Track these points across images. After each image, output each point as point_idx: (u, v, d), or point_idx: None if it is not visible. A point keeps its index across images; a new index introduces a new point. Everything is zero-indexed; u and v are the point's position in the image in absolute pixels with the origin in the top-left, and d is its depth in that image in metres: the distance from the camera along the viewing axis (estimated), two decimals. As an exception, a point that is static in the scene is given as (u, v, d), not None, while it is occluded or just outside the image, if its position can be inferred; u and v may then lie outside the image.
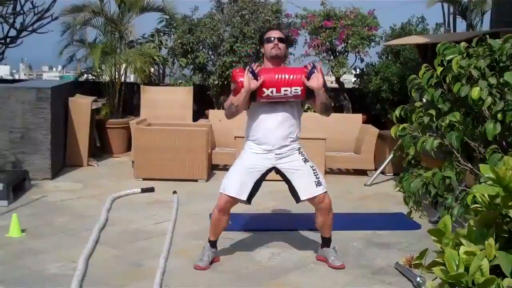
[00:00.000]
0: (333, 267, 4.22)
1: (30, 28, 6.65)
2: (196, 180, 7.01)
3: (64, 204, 5.86)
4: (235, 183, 4.09)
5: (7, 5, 6.60)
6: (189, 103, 8.74)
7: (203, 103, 9.17)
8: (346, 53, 9.24)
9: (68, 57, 9.47)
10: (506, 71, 3.07)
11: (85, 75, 9.76)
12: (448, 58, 3.22)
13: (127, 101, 9.48)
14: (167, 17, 9.90)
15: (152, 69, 9.79)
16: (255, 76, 3.89)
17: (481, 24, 14.02)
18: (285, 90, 3.92)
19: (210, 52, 9.51)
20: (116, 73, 9.18)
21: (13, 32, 6.68)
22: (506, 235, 1.78)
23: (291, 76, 3.92)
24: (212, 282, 3.94)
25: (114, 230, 5.03)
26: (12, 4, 6.58)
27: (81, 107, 7.74)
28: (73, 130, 7.66)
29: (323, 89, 3.95)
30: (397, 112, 3.42)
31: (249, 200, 4.14)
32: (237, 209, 4.99)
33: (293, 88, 3.92)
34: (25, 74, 58.30)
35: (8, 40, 6.67)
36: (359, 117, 8.28)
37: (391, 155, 6.97)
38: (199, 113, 8.95)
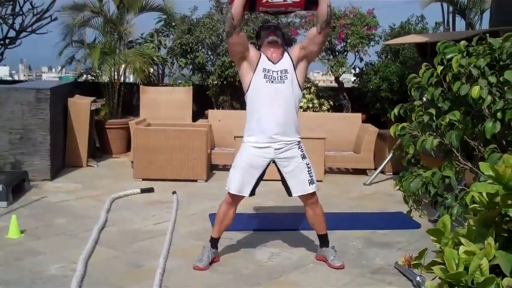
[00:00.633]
0: (332, 267, 4.22)
1: (29, 29, 6.66)
2: (195, 180, 7.01)
3: (64, 205, 5.85)
4: (237, 180, 4.12)
5: (6, 6, 6.61)
6: (188, 103, 8.74)
7: (203, 103, 9.17)
8: (346, 53, 9.25)
9: (68, 57, 9.48)
10: (506, 69, 3.07)
11: (84, 76, 9.75)
12: (448, 56, 3.21)
13: (126, 102, 9.48)
14: (166, 16, 9.89)
15: (152, 69, 9.79)
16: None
17: (480, 23, 14.00)
18: None
19: (210, 52, 9.52)
20: (115, 73, 9.18)
21: (12, 33, 6.70)
22: (506, 235, 1.77)
23: None
24: (211, 282, 3.93)
25: (113, 230, 5.02)
26: (11, 5, 6.58)
27: (81, 107, 7.73)
28: (72, 130, 7.66)
29: None
30: (395, 110, 3.41)
31: (252, 193, 4.20)
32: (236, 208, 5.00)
33: None
34: (24, 75, 58.39)
35: (7, 41, 6.68)
36: (358, 116, 8.28)
37: (391, 154, 6.97)
38: (198, 113, 8.95)
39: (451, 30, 13.03)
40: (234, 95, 9.14)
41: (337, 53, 9.24)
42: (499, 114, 2.98)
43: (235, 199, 4.20)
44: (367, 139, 7.65)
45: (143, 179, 6.93)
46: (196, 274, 4.06)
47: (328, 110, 9.00)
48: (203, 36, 9.10)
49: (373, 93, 9.15)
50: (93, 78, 9.59)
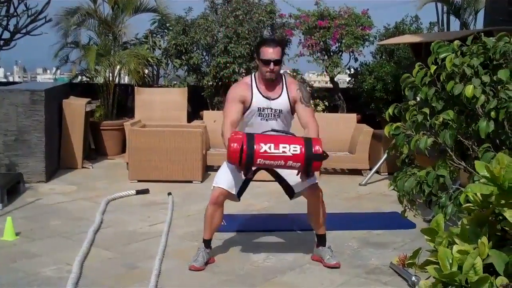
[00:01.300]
0: (328, 266, 4.21)
1: (23, 30, 6.63)
2: (191, 181, 7.00)
3: (59, 207, 5.83)
4: (226, 178, 4.10)
5: (0, 8, 6.58)
6: (183, 104, 8.73)
7: (198, 104, 9.17)
8: (340, 53, 9.25)
9: (62, 59, 9.46)
10: (500, 69, 3.08)
11: (79, 77, 9.74)
12: (441, 56, 3.22)
13: (121, 103, 9.46)
14: (160, 17, 9.88)
15: (146, 71, 9.78)
16: (249, 169, 3.85)
17: (474, 23, 14.06)
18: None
19: (204, 53, 9.51)
20: (110, 74, 9.16)
21: (6, 35, 6.67)
22: (499, 234, 1.78)
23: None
24: (207, 283, 3.93)
25: (109, 232, 5.01)
26: (6, 6, 6.56)
27: (75, 109, 7.72)
28: (67, 132, 7.64)
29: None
30: (390, 110, 3.42)
31: (239, 195, 4.16)
32: (231, 210, 5.00)
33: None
34: (19, 77, 58.31)
35: (1, 42, 6.65)
36: (353, 116, 8.28)
37: (386, 155, 6.97)
38: (193, 114, 8.95)
39: (445, 30, 13.07)
40: (229, 96, 9.12)
41: (332, 54, 9.25)
42: (492, 113, 3.00)
43: (221, 198, 4.13)
44: (362, 139, 7.65)
45: (139, 181, 6.91)
46: (191, 275, 4.05)
47: (323, 110, 9.01)
48: (198, 37, 9.09)
49: (368, 93, 9.16)
50: (88, 79, 9.57)
